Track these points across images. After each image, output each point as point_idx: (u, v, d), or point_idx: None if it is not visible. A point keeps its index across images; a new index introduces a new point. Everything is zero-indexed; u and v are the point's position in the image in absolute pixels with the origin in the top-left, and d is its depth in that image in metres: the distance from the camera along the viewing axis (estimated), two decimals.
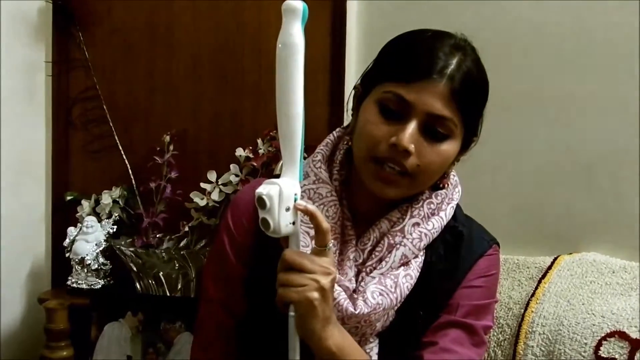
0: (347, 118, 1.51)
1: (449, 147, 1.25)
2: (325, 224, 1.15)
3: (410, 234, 1.30)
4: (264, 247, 1.30)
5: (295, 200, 1.12)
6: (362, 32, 2.21)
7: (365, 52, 2.17)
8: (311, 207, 1.15)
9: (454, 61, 1.22)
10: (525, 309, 1.78)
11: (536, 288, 1.82)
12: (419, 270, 1.31)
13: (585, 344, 1.66)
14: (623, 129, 1.96)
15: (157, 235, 2.22)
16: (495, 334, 1.80)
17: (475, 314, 1.33)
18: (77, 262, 2.25)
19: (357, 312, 1.24)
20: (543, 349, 1.71)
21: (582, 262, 1.87)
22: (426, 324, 1.32)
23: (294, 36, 1.09)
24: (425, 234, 1.31)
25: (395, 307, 1.29)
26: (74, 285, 2.26)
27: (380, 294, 1.26)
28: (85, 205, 2.33)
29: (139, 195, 2.29)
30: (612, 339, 1.64)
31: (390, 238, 1.30)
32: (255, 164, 2.13)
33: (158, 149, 2.23)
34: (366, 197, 1.29)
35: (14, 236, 2.31)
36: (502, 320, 1.81)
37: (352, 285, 1.28)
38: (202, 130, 2.33)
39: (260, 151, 2.14)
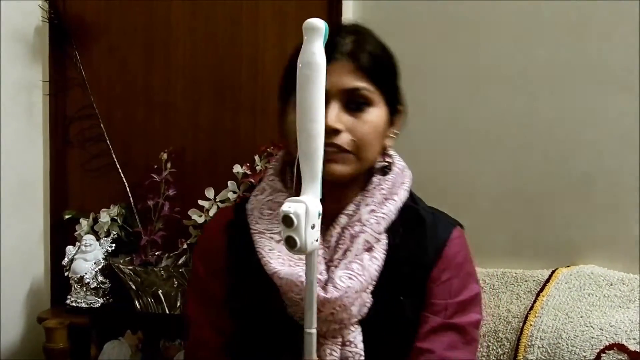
0: None
1: (374, 114, 1.34)
2: None
3: (368, 221, 1.36)
4: (239, 266, 1.38)
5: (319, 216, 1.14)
6: None
7: None
8: None
9: (350, 41, 1.34)
10: (524, 323, 1.77)
11: (534, 301, 1.81)
12: (385, 252, 1.37)
13: (585, 356, 1.66)
14: (621, 141, 1.96)
15: (156, 253, 2.22)
16: (494, 347, 1.80)
17: (462, 311, 1.39)
18: (76, 280, 2.25)
19: (329, 297, 1.29)
20: None
21: (580, 275, 1.87)
22: (412, 311, 1.37)
23: (316, 55, 1.11)
24: (383, 218, 1.37)
25: (368, 290, 1.34)
26: (73, 304, 2.26)
27: (349, 278, 1.32)
28: (84, 223, 2.34)
29: (137, 213, 2.30)
30: (611, 352, 1.64)
31: (351, 229, 1.36)
32: (252, 181, 2.13)
33: (156, 166, 2.23)
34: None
35: (13, 255, 2.31)
36: (501, 334, 1.81)
37: (324, 277, 1.33)
38: (199, 148, 2.34)
39: (258, 167, 2.14)
